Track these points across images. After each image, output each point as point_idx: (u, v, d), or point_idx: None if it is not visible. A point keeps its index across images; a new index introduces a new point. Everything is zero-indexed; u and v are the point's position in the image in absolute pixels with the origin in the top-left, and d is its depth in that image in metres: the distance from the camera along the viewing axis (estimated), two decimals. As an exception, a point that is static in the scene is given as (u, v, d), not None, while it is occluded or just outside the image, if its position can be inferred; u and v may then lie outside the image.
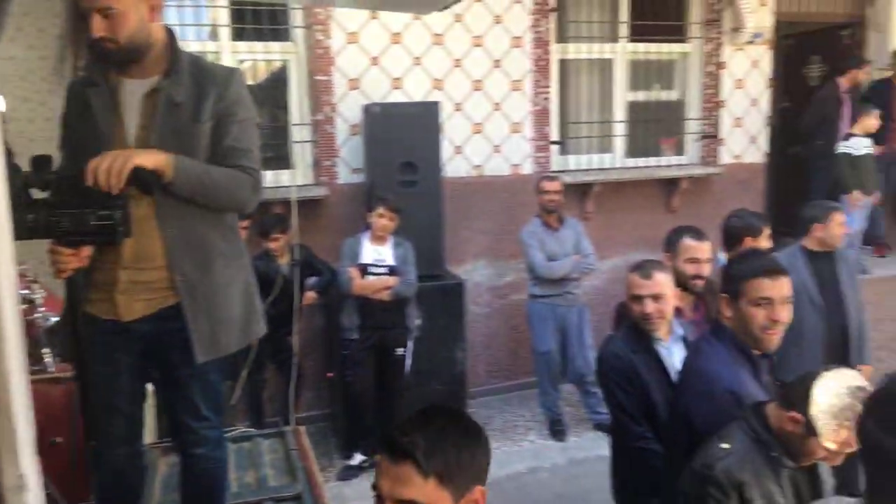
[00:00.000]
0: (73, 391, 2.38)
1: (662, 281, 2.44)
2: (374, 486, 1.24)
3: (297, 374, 3.86)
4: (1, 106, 1.07)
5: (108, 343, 1.96)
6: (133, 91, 1.95)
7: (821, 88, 6.18)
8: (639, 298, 2.43)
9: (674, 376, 2.35)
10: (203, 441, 2.09)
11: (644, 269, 2.47)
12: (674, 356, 2.42)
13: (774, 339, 2.00)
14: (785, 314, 1.98)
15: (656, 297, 2.41)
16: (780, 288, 1.99)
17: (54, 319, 2.49)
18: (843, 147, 5.35)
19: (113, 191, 1.74)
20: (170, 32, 2.01)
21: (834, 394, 1.60)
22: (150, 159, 1.82)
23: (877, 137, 5.54)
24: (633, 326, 2.49)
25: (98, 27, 1.82)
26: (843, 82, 5.91)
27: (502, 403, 5.26)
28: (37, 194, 1.77)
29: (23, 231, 1.64)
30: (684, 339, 2.50)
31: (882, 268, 5.65)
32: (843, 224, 3.43)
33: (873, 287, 5.38)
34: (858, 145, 5.27)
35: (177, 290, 1.95)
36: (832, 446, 1.61)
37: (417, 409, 1.30)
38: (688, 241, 2.83)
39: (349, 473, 4.18)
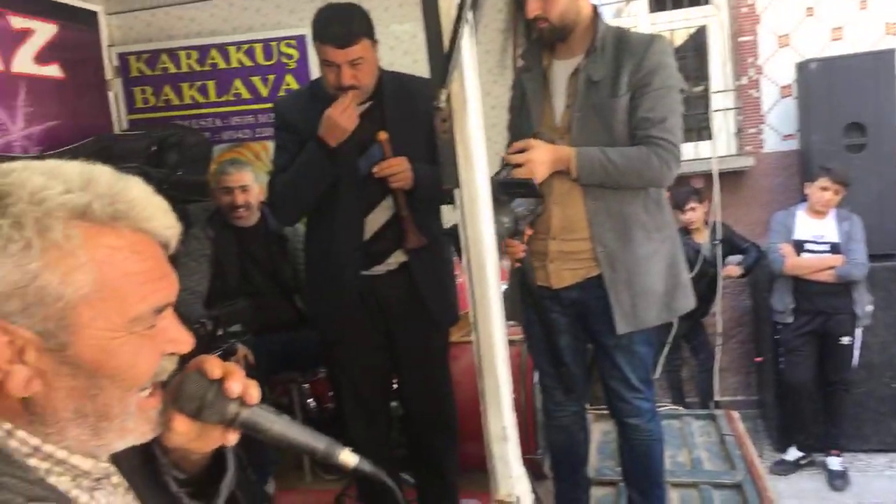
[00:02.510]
0: (521, 353, 2.60)
1: None
2: None
3: (719, 357, 3.67)
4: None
5: (544, 307, 2.10)
6: (560, 72, 2.05)
7: None
8: None
9: None
10: (636, 412, 2.12)
11: None
12: None
13: None
14: None
15: None
16: None
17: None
18: None
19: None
20: (594, 9, 2.04)
21: None
22: (558, 161, 1.94)
23: None
24: None
25: (533, 7, 1.95)
26: None
27: None
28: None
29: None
30: None
31: None
32: None
33: None
34: None
35: (599, 261, 1.99)
36: None
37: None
38: None
39: (783, 468, 3.81)
